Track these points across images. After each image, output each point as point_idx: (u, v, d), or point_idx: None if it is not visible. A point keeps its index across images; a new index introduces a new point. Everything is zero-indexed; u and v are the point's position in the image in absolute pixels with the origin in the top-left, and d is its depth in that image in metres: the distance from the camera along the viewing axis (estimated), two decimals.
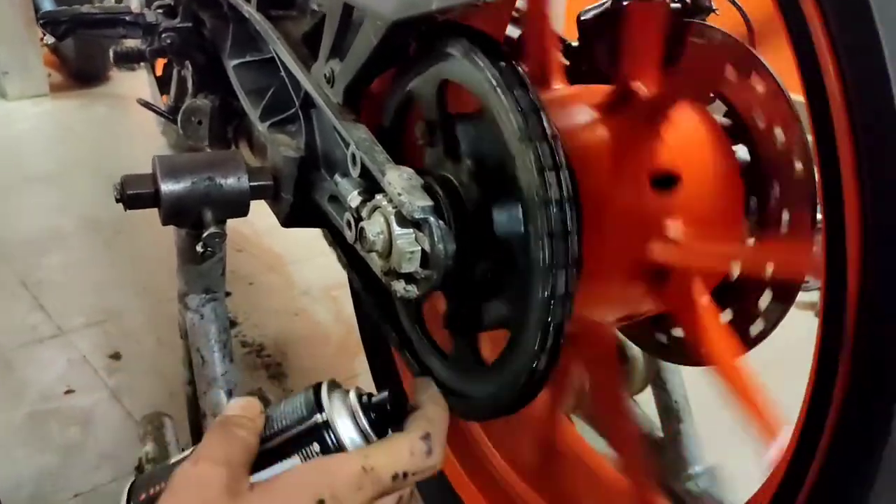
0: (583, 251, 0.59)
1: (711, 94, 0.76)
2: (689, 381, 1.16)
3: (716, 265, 0.74)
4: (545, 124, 0.58)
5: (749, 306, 0.75)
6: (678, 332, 0.80)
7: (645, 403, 1.41)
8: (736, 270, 0.75)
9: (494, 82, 0.59)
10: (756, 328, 0.75)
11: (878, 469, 0.45)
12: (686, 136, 0.72)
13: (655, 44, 0.74)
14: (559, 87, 0.82)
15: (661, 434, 1.28)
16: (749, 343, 0.76)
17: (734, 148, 0.73)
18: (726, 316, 0.78)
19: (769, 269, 0.73)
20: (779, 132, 0.71)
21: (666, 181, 0.69)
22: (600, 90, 0.77)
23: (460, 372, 0.72)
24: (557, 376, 0.85)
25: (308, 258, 2.01)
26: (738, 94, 0.73)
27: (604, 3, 0.82)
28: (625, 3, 0.80)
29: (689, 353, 0.78)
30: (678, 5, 0.78)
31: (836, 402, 0.48)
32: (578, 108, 0.75)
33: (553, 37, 0.83)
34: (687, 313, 0.73)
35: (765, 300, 0.75)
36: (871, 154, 0.45)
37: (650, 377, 1.21)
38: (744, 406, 0.67)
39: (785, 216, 0.72)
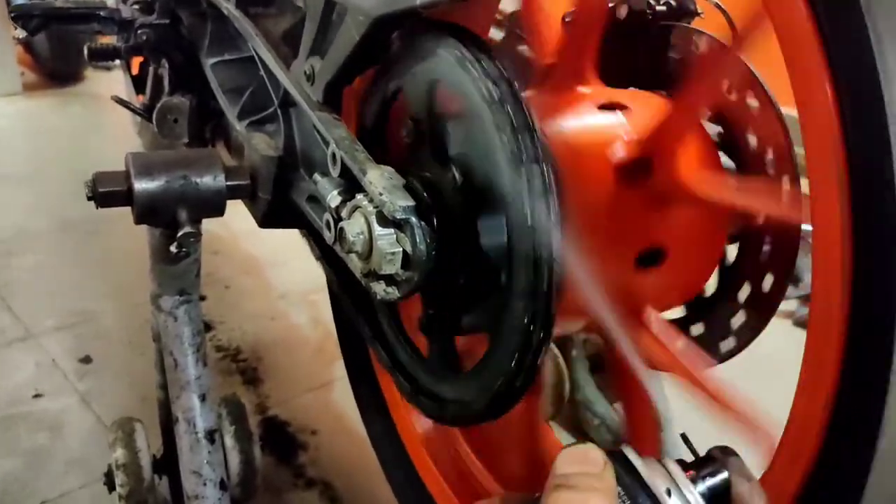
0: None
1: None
2: (670, 388, 1.15)
3: None
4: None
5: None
6: None
7: None
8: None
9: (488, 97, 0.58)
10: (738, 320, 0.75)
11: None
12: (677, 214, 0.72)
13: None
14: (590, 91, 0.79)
15: None
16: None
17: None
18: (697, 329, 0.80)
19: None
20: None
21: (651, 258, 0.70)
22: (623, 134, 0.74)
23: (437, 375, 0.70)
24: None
25: (286, 262, 1.99)
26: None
27: None
28: (610, 5, 0.79)
29: None
30: (663, 8, 0.78)
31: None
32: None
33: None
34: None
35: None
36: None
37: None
38: (727, 415, 0.66)
39: None
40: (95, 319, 1.73)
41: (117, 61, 1.30)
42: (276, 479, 1.33)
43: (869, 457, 0.44)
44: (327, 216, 0.69)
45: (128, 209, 0.79)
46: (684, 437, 0.49)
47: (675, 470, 0.44)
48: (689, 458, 0.48)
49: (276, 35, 0.90)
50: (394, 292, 0.63)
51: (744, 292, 0.78)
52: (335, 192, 0.68)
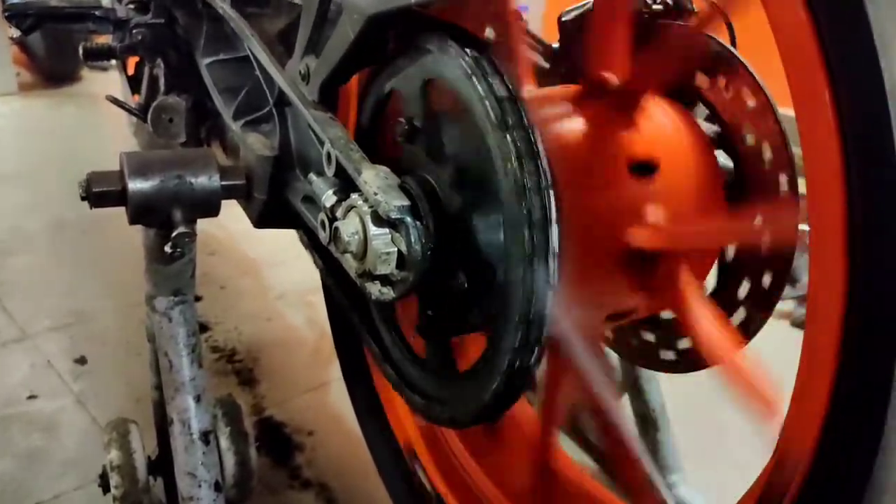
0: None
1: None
2: (667, 390, 1.15)
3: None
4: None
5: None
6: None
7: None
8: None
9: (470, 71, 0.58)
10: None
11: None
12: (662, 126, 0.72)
13: (624, 37, 0.73)
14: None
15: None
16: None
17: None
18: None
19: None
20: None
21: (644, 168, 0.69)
22: (570, 88, 0.76)
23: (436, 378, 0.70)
24: (549, 394, 0.84)
25: (283, 262, 1.98)
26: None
27: (585, 4, 0.82)
28: None
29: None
30: (660, 7, 0.78)
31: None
32: (552, 103, 0.75)
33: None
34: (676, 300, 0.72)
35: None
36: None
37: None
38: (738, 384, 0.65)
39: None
40: (90, 320, 1.73)
41: (113, 61, 1.30)
42: (273, 480, 1.33)
43: (870, 460, 0.44)
44: (322, 216, 0.69)
45: (122, 209, 0.79)
46: None
47: None
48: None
49: (272, 34, 0.89)
50: (389, 292, 0.63)
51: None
52: (330, 192, 0.68)
